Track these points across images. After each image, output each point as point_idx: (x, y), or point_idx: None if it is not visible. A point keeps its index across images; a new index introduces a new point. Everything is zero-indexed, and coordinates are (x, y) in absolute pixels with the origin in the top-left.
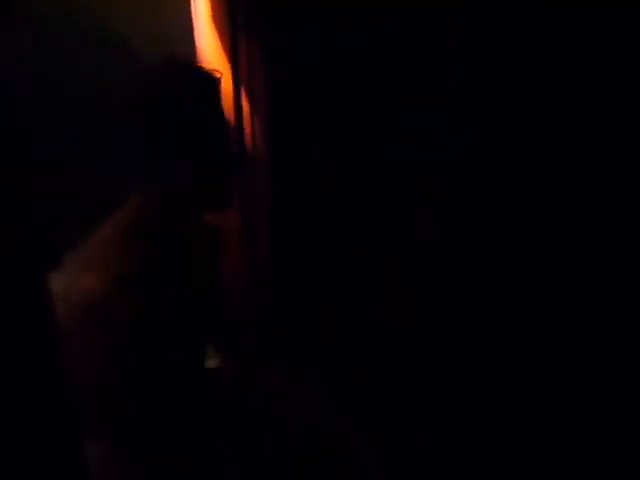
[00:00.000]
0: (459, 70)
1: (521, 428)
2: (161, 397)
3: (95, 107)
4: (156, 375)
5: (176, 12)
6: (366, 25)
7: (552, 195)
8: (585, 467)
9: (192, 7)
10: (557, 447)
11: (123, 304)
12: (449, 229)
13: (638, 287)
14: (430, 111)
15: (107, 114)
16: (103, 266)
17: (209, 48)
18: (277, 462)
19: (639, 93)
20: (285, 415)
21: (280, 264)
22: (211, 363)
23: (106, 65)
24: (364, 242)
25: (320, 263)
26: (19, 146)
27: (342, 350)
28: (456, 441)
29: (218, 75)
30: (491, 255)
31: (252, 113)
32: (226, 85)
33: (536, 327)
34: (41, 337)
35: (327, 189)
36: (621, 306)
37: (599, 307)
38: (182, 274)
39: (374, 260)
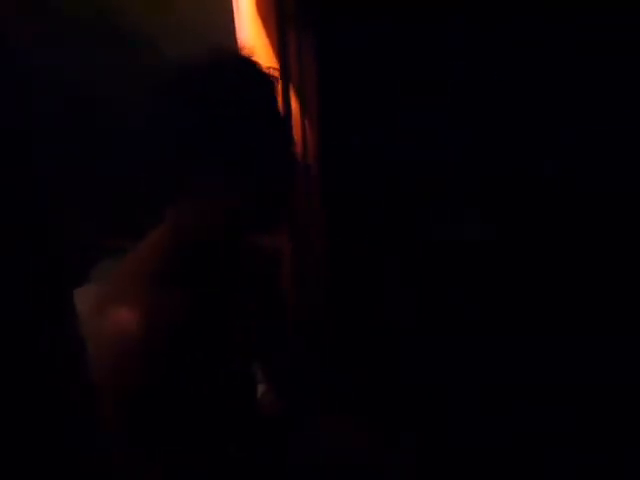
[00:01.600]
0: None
1: (521, 428)
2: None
3: (127, 108)
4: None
5: (215, 2)
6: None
7: (552, 194)
8: (585, 467)
9: None
10: (557, 447)
11: (159, 347)
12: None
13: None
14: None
15: (141, 115)
16: (138, 301)
17: (253, 43)
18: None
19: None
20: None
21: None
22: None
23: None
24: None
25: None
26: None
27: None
28: (456, 441)
29: (275, 74)
30: (492, 255)
31: (303, 116)
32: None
33: (536, 327)
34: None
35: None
36: (622, 306)
37: (599, 307)
38: (230, 308)
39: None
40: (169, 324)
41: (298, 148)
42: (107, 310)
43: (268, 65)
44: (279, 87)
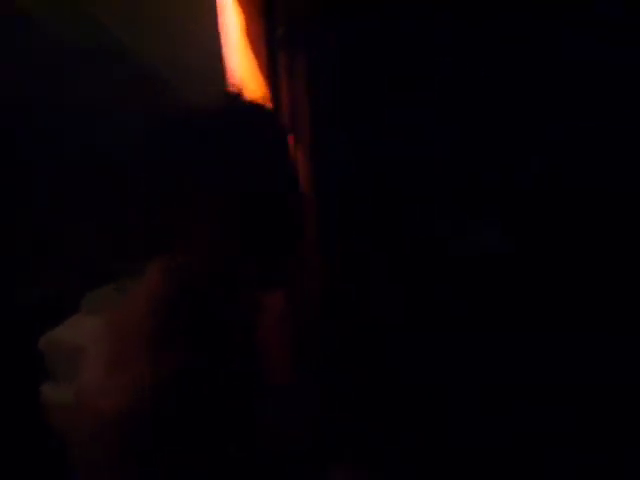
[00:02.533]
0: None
1: (520, 428)
2: None
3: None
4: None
5: (199, 27)
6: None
7: (547, 192)
8: (585, 467)
9: (219, 20)
10: (557, 447)
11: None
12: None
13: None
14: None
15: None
16: (130, 369)
17: (242, 69)
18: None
19: (631, 87)
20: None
21: None
22: None
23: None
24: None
25: None
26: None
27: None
28: (450, 441)
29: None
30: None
31: (297, 147)
32: None
33: (534, 324)
34: None
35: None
36: (624, 305)
37: (601, 305)
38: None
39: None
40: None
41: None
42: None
43: (259, 94)
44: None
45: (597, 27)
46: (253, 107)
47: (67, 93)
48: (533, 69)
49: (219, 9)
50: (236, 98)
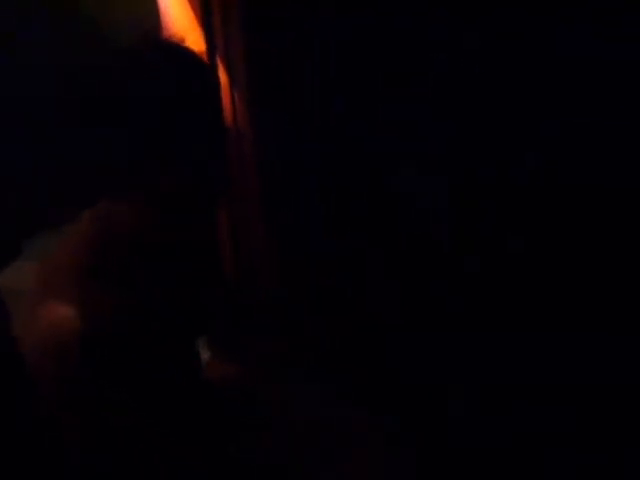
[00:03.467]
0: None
1: (520, 428)
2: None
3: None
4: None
5: None
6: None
7: (544, 189)
8: (585, 467)
9: None
10: (557, 447)
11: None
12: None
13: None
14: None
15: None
16: (70, 296)
17: (175, 11)
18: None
19: (624, 81)
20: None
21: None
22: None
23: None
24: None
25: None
26: None
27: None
28: (447, 441)
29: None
30: (486, 246)
31: (232, 87)
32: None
33: (533, 323)
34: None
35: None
36: (624, 305)
37: (601, 304)
38: (169, 290)
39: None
40: (109, 313)
41: (229, 119)
42: (42, 307)
43: (193, 40)
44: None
45: (591, 23)
46: (179, 47)
47: None
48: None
49: None
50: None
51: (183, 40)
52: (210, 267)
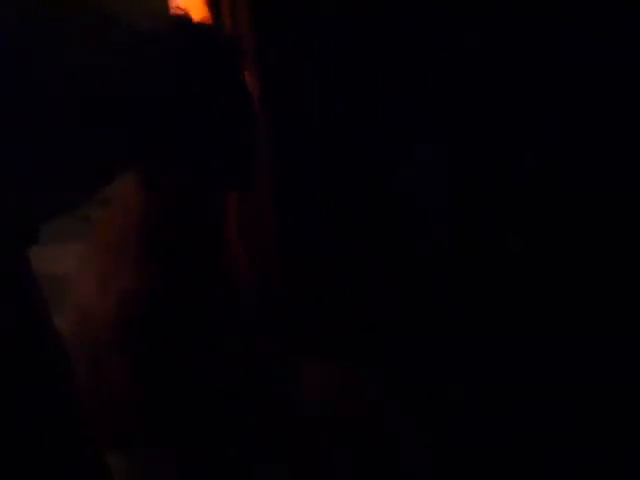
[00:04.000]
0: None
1: (521, 428)
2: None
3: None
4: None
5: None
6: None
7: (544, 189)
8: (585, 467)
9: None
10: (557, 447)
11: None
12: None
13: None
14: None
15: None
16: (104, 278)
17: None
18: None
19: (623, 81)
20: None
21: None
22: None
23: None
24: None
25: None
26: None
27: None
28: (447, 441)
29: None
30: (486, 246)
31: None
32: None
33: (533, 324)
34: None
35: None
36: (624, 304)
37: (601, 304)
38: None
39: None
40: (154, 293)
41: None
42: (105, 285)
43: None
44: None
45: (591, 23)
46: (204, 26)
47: None
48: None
49: None
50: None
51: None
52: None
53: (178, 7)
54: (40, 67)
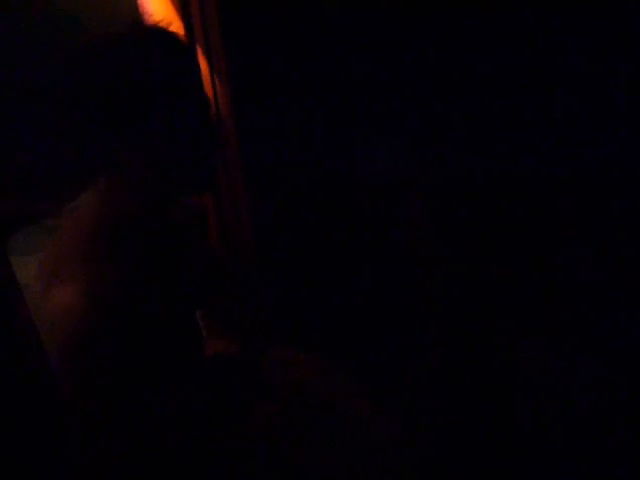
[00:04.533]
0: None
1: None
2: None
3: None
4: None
5: None
6: None
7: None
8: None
9: None
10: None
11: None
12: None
13: None
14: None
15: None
16: (76, 278)
17: (154, 3)
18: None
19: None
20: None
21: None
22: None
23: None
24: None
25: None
26: None
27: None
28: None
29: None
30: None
31: (212, 71)
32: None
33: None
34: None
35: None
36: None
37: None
38: (169, 269)
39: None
40: (114, 293)
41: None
42: (52, 289)
43: (172, 28)
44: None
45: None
46: (157, 31)
47: None
48: None
49: None
50: (142, 26)
51: (168, 26)
52: (201, 247)
53: (148, 11)
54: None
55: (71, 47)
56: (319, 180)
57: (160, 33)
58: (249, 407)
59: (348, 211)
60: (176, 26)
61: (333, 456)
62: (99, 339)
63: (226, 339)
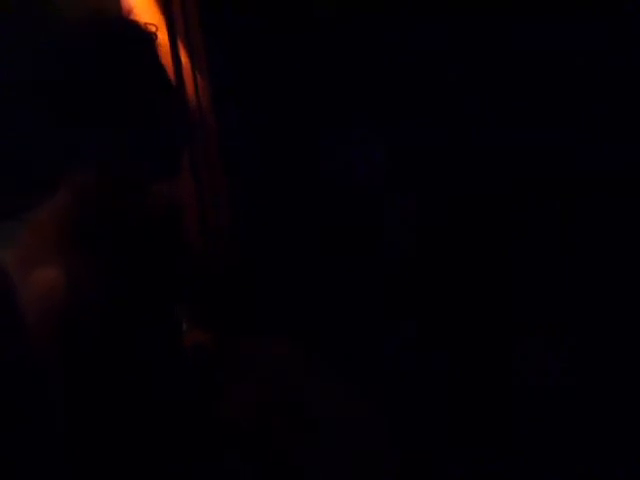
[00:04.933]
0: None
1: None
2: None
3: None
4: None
5: None
6: None
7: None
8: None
9: None
10: None
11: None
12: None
13: None
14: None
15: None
16: (55, 264)
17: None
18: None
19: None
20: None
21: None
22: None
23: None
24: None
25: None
26: None
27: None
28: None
29: (153, 30)
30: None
31: (193, 68)
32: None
33: None
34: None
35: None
36: None
37: None
38: (141, 257)
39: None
40: (89, 283)
41: (191, 99)
42: (29, 276)
43: (150, 22)
44: (160, 43)
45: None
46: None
47: None
48: None
49: None
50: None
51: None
52: (177, 238)
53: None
54: None
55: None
56: (298, 174)
57: (119, 24)
58: (220, 391)
59: (330, 206)
60: (158, 23)
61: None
62: (78, 321)
63: (207, 331)
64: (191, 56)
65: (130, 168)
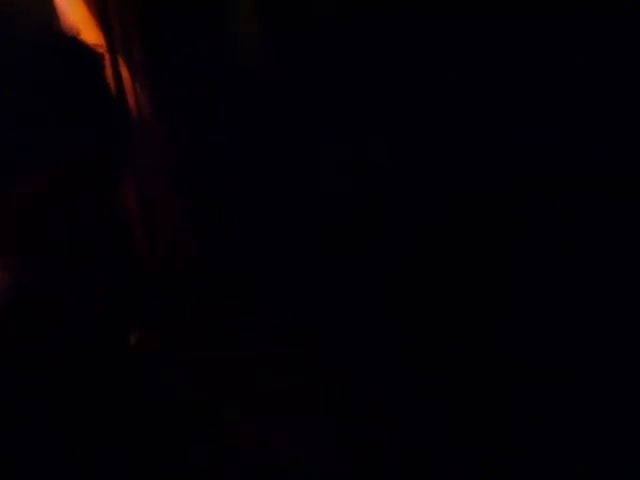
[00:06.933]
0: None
1: None
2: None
3: None
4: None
5: None
6: None
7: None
8: None
9: None
10: None
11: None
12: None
13: None
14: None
15: None
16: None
17: (75, 17)
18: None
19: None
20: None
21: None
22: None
23: None
24: None
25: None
26: None
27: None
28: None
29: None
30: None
31: (133, 80)
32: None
33: None
34: None
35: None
36: None
37: None
38: (76, 268)
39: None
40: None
41: (133, 114)
42: None
43: (91, 38)
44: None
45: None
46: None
47: None
48: None
49: None
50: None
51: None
52: (111, 252)
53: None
54: None
55: None
56: (297, 174)
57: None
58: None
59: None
60: (93, 28)
61: None
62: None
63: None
64: (131, 70)
65: (77, 170)
